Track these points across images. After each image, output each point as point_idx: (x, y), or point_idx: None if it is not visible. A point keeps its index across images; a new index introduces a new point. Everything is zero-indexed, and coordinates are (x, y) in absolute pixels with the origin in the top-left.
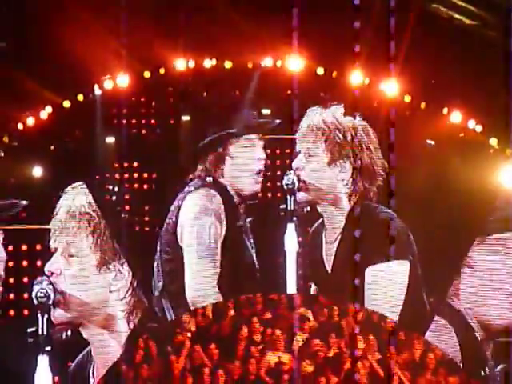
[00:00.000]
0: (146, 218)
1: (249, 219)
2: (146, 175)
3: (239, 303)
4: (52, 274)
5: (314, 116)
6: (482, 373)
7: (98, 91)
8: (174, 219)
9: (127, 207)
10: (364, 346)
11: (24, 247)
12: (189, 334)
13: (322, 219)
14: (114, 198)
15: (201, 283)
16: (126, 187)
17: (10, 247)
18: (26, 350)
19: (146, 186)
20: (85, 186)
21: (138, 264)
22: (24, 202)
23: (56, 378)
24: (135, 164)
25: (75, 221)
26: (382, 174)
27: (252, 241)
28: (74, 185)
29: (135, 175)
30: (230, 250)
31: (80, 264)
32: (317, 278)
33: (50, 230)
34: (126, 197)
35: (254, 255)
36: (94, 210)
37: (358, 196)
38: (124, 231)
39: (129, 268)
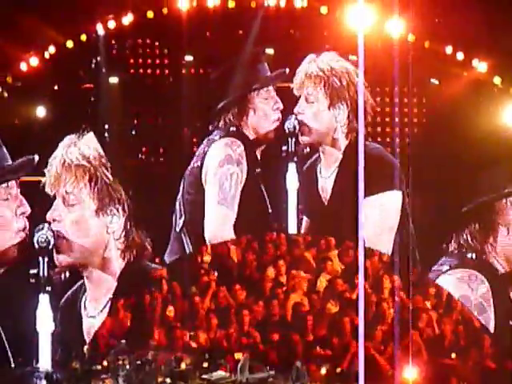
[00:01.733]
0: (162, 159)
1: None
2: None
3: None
4: (54, 220)
5: (310, 64)
6: (511, 322)
7: (101, 31)
8: (199, 163)
9: (144, 149)
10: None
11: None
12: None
13: (316, 156)
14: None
15: (218, 226)
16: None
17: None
18: (28, 289)
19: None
20: (76, 138)
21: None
22: (37, 157)
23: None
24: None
25: (71, 172)
26: (372, 113)
27: (263, 186)
28: (65, 139)
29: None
30: (249, 195)
31: (80, 211)
32: (313, 210)
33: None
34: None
35: (267, 200)
36: (88, 161)
37: (353, 135)
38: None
39: (123, 210)
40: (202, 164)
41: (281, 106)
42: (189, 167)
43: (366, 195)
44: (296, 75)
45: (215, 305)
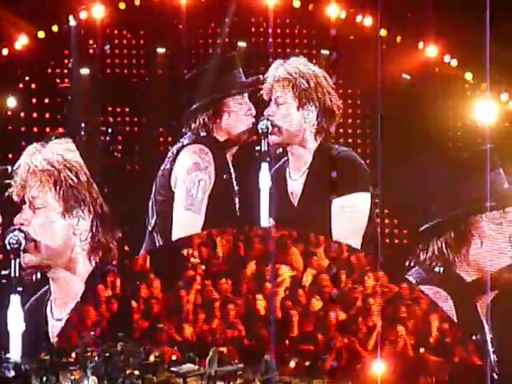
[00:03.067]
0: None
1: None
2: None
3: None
4: (21, 224)
5: (278, 68)
6: (474, 337)
7: (72, 22)
8: (168, 166)
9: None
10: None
11: None
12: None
13: (285, 158)
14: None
15: (185, 231)
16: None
17: None
18: None
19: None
20: (40, 145)
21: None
22: (9, 168)
23: None
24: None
25: (36, 177)
26: (338, 114)
27: (236, 188)
28: (29, 147)
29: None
30: (216, 199)
31: (46, 213)
32: (282, 212)
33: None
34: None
35: (237, 202)
36: (52, 166)
37: (322, 136)
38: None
39: (89, 212)
40: (171, 168)
41: (254, 111)
42: (161, 168)
43: (334, 197)
44: (264, 80)
45: (201, 299)
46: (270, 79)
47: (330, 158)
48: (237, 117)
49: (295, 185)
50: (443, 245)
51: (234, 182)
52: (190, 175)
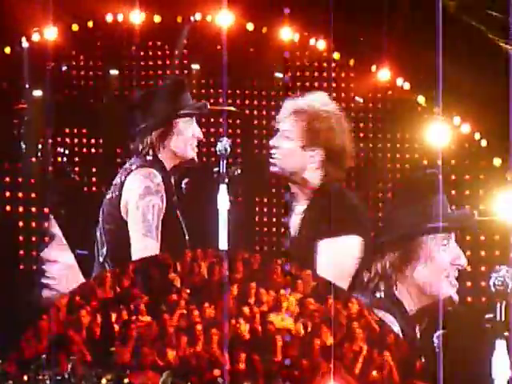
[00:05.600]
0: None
1: (184, 184)
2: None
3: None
4: None
5: (297, 101)
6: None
7: (25, 44)
8: (117, 193)
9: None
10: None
11: None
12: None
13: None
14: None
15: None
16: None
17: None
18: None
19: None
20: None
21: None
22: None
23: None
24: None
25: None
26: (351, 159)
27: (180, 213)
28: None
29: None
30: (166, 223)
31: None
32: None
33: None
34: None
35: (184, 225)
36: None
37: (324, 179)
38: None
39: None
40: (120, 193)
41: (201, 135)
42: (106, 197)
43: (323, 237)
44: (282, 108)
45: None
46: (287, 109)
47: (325, 198)
48: (184, 139)
49: (295, 220)
50: (387, 263)
51: (179, 207)
52: (143, 200)
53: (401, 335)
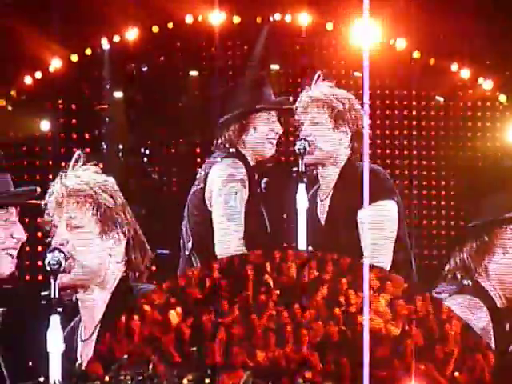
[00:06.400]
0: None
1: (264, 183)
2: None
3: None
4: (61, 245)
5: (312, 90)
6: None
7: (106, 45)
8: (201, 185)
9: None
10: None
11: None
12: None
13: (317, 185)
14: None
15: (230, 241)
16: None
17: (26, 219)
18: (39, 310)
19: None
20: (77, 165)
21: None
22: (39, 189)
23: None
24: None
25: (73, 198)
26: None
27: (264, 207)
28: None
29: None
30: (250, 213)
31: (84, 233)
32: (313, 232)
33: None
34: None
35: (267, 219)
36: (90, 188)
37: (353, 157)
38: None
39: (124, 234)
40: (204, 185)
41: (280, 131)
42: (191, 191)
43: (360, 207)
44: (299, 101)
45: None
46: (305, 99)
47: (353, 173)
48: (262, 134)
49: (323, 205)
50: (465, 255)
51: (263, 202)
52: (225, 187)
53: (491, 327)
